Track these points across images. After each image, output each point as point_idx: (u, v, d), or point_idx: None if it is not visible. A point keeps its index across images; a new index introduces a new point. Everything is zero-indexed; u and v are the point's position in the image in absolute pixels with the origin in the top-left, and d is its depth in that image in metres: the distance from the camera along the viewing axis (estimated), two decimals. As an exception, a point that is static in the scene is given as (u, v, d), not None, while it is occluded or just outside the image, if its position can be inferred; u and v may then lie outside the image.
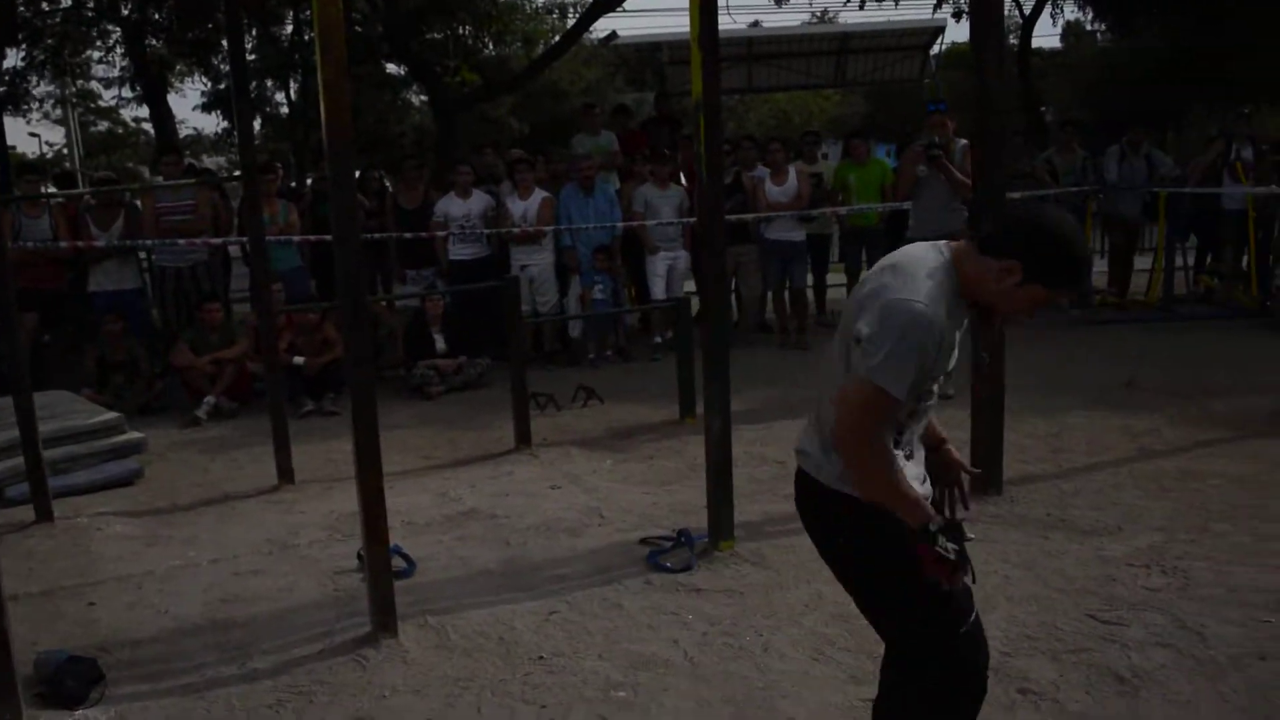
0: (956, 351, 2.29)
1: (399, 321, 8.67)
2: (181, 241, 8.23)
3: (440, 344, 8.08)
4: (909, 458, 2.34)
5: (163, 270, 8.53)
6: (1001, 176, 4.75)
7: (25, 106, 18.55)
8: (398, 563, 4.34)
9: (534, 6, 14.38)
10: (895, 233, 9.34)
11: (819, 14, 28.47)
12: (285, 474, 5.75)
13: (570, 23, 14.72)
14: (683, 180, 9.20)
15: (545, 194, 8.57)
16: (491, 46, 14.57)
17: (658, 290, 8.74)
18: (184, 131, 22.56)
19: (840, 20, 25.98)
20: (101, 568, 4.70)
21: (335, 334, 7.98)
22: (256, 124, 17.05)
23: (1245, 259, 9.61)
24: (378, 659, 3.57)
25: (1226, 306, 9.49)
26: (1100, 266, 10.57)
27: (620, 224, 8.60)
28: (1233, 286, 9.65)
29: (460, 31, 13.41)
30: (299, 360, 7.71)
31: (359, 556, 4.45)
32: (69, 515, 5.43)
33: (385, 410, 7.51)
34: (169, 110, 14.18)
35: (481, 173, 9.14)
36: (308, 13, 14.03)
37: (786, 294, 8.95)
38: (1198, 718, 2.93)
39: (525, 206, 8.52)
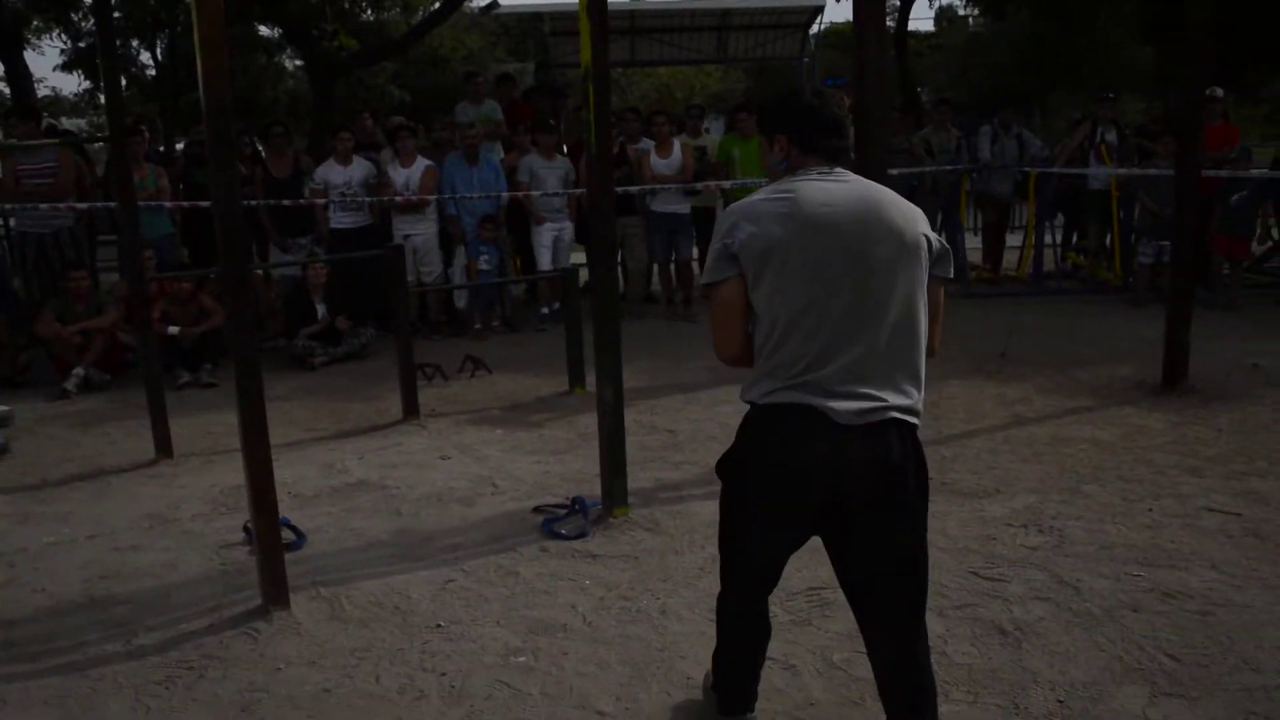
0: None
1: (277, 291, 8.46)
2: (43, 206, 7.83)
3: (322, 313, 7.91)
4: None
5: (23, 236, 8.11)
6: (881, 152, 4.89)
7: None
8: (287, 535, 4.27)
9: (413, -29, 14.06)
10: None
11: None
12: (163, 447, 5.57)
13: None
14: (565, 151, 9.20)
15: (428, 162, 8.44)
16: (370, 12, 14.20)
17: (544, 261, 8.73)
18: (42, 92, 21.32)
19: (722, -3, 26.28)
20: (-33, 544, 4.49)
21: (211, 303, 7.75)
22: (122, 85, 16.30)
23: (1109, 237, 10.13)
24: (270, 632, 3.52)
25: (1091, 282, 10.00)
26: (974, 243, 10.99)
27: (506, 194, 8.54)
28: (1097, 263, 10.16)
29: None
30: (174, 329, 7.46)
31: (245, 529, 4.38)
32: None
33: (267, 381, 7.10)
34: (26, 69, 13.39)
35: (361, 139, 8.94)
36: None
37: (673, 266, 9.04)
38: (1076, 666, 3.11)
39: (407, 175, 8.38)
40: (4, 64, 13.65)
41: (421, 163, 8.40)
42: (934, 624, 3.33)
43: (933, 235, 2.43)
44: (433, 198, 8.35)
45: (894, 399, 2.35)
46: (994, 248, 10.60)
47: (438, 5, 13.62)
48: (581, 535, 4.13)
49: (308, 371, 7.63)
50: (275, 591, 3.62)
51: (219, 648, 3.44)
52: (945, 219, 10.27)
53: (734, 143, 9.30)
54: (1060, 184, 10.10)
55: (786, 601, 3.55)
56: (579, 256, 10.73)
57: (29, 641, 3.58)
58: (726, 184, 9.05)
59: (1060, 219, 10.90)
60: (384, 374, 6.99)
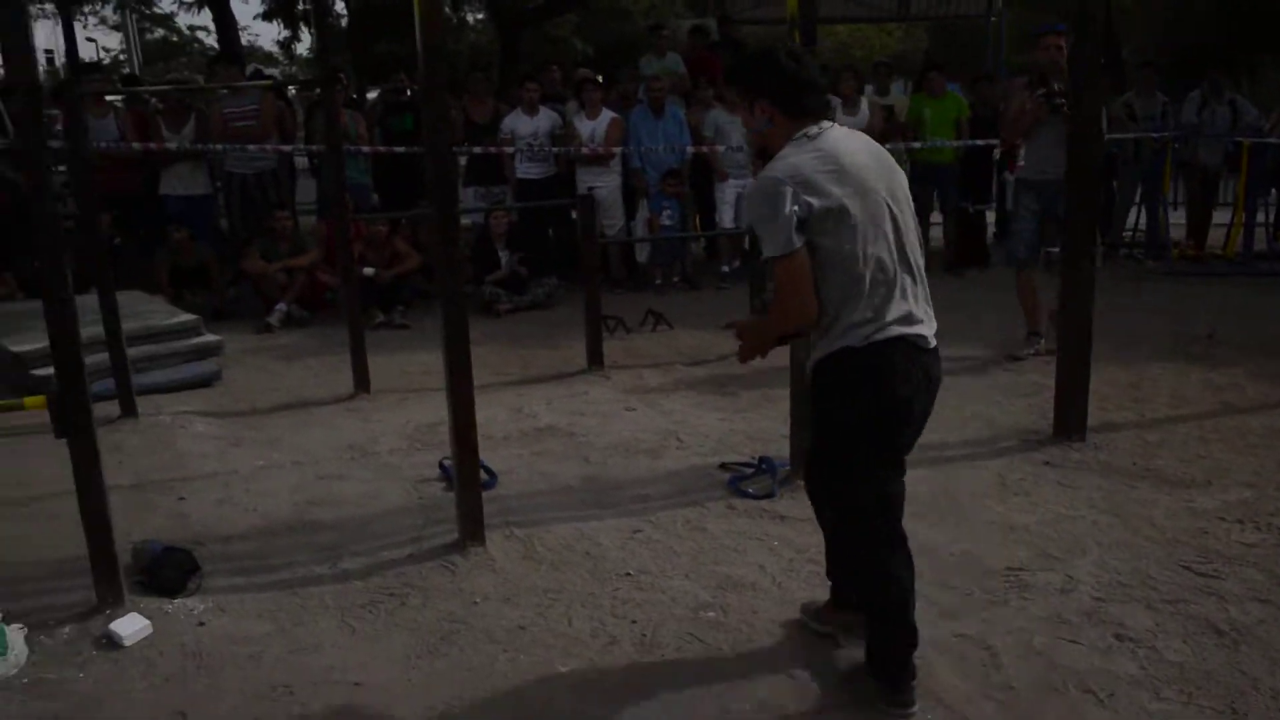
0: None
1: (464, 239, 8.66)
2: (251, 148, 8.24)
3: (505, 260, 8.08)
4: None
5: (230, 176, 8.56)
6: (1098, 103, 4.65)
7: (84, 10, 18.51)
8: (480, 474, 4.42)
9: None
10: (970, 170, 9.19)
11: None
12: (361, 383, 5.82)
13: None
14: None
15: (614, 114, 8.47)
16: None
17: (726, 218, 8.67)
18: (244, 40, 22.43)
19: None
20: (188, 464, 4.80)
21: (405, 247, 8.03)
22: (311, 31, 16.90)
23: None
24: (466, 566, 3.64)
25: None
26: (1177, 218, 10.34)
27: (690, 148, 8.50)
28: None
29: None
30: (369, 271, 7.75)
31: (440, 466, 4.53)
32: (151, 412, 5.55)
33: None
34: (232, 17, 14.11)
35: (548, 91, 9.04)
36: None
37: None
38: (1298, 674, 2.91)
39: (593, 126, 8.44)
40: (212, 10, 14.40)
41: (607, 115, 8.44)
42: (1142, 617, 3.18)
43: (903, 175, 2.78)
44: (618, 150, 8.38)
45: (931, 323, 2.74)
46: (1199, 223, 9.93)
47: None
48: (769, 496, 4.11)
49: (494, 318, 7.81)
50: (473, 528, 3.74)
51: (418, 577, 3.58)
52: (1146, 190, 9.70)
53: (925, 102, 9.00)
54: (1277, 157, 9.38)
55: (983, 580, 3.45)
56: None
57: (244, 557, 3.82)
58: (916, 144, 8.77)
59: (1275, 195, 10.14)
60: (568, 324, 7.08)
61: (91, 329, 6.01)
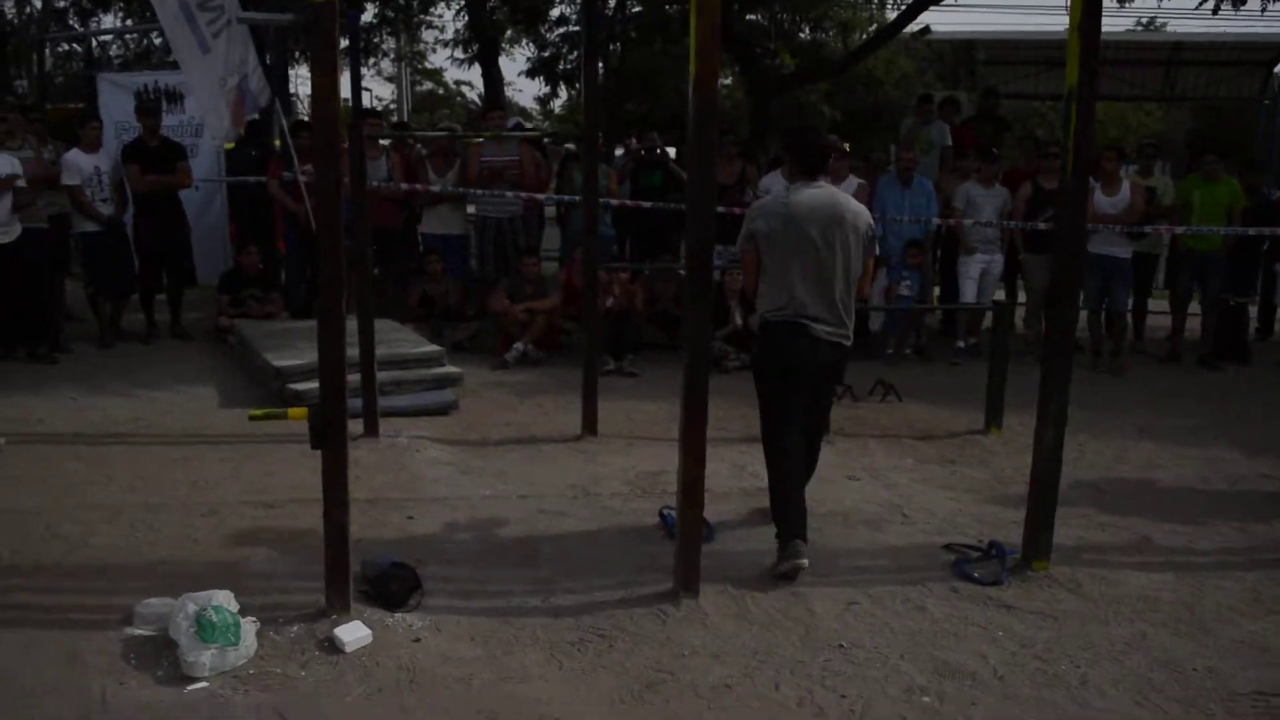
0: None
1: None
2: (508, 194, 8.66)
3: (738, 319, 8.11)
4: None
5: (484, 220, 9.02)
6: None
7: (366, 61, 20.11)
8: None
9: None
10: (1236, 260, 8.55)
11: (1146, 22, 26.41)
12: (590, 425, 5.95)
13: (888, 14, 14.34)
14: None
15: (861, 181, 8.39)
16: (808, 31, 14.42)
17: (968, 293, 8.39)
18: (509, 93, 23.78)
19: (1170, 29, 24.02)
20: (420, 486, 5.03)
21: (641, 299, 8.21)
22: (576, 90, 17.71)
23: None
24: (678, 617, 3.62)
25: None
26: None
27: (936, 220, 8.31)
28: None
29: (778, 15, 13.36)
30: (610, 302, 7.89)
31: (660, 515, 4.55)
32: (391, 434, 5.84)
33: (678, 379, 7.68)
34: (499, 72, 14.98)
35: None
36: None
37: (1104, 313, 8.36)
38: None
39: (840, 192, 8.39)
40: (481, 67, 15.34)
41: (854, 181, 8.35)
42: None
43: (870, 225, 4.20)
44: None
45: (844, 328, 4.17)
46: None
47: (875, 28, 13.58)
48: (996, 583, 3.89)
49: (721, 374, 7.82)
50: (689, 579, 3.72)
51: (629, 622, 3.59)
52: None
53: (1196, 185, 8.43)
54: None
55: (1228, 702, 3.13)
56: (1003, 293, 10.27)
57: (463, 580, 3.94)
58: (1179, 229, 8.22)
59: None
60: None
61: (349, 352, 6.47)
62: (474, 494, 4.93)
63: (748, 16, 12.97)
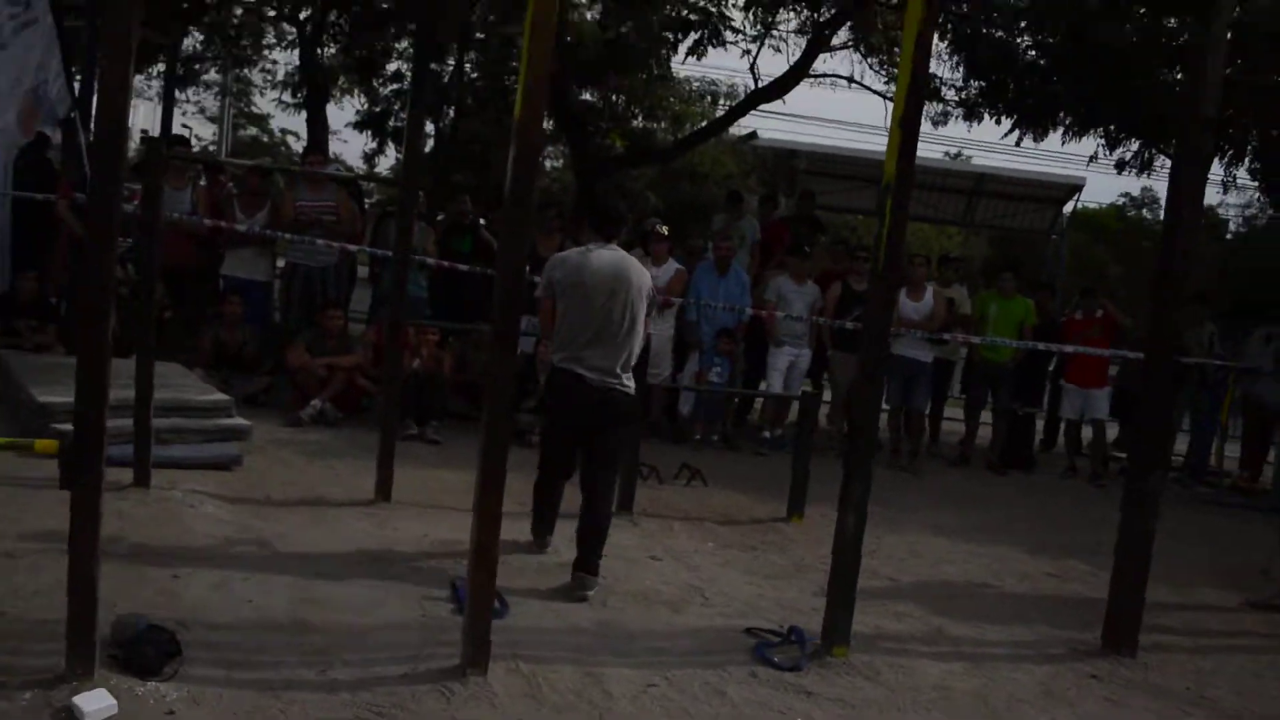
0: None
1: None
2: (320, 242, 8.29)
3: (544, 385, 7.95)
4: None
5: (294, 267, 8.60)
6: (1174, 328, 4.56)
7: (185, 97, 19.28)
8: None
9: (690, 89, 14.49)
10: (1026, 374, 9.06)
11: (954, 154, 28.41)
12: (384, 489, 5.63)
13: (719, 111, 14.82)
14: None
15: (679, 266, 8.48)
16: (640, 119, 14.71)
17: (775, 384, 8.54)
18: (335, 144, 23.23)
19: (974, 162, 25.86)
20: (191, 544, 4.59)
21: (450, 362, 7.94)
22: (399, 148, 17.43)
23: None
24: (464, 695, 3.36)
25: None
26: (1232, 449, 10.08)
27: (749, 310, 8.45)
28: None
29: (613, 99, 13.58)
30: (415, 364, 7.60)
31: (452, 585, 4.29)
32: (164, 486, 5.36)
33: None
34: (325, 119, 14.59)
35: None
36: (471, 54, 14.41)
37: (903, 414, 8.67)
38: None
39: (657, 274, 8.41)
40: (308, 112, 14.88)
41: (673, 265, 8.44)
42: None
43: (652, 289, 4.80)
44: (677, 300, 8.34)
45: (619, 378, 4.64)
46: (1255, 456, 9.67)
47: (705, 124, 13.98)
48: (796, 668, 3.80)
49: (525, 448, 7.62)
50: (477, 655, 3.47)
51: (410, 699, 3.31)
52: (1195, 417, 9.56)
53: (992, 299, 8.94)
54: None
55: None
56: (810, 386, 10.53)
57: (229, 647, 3.56)
58: (975, 339, 8.66)
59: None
60: (601, 464, 6.87)
61: (123, 393, 5.94)
62: (250, 555, 4.53)
63: (583, 96, 13.12)
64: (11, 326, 7.77)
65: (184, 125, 30.77)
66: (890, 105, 3.70)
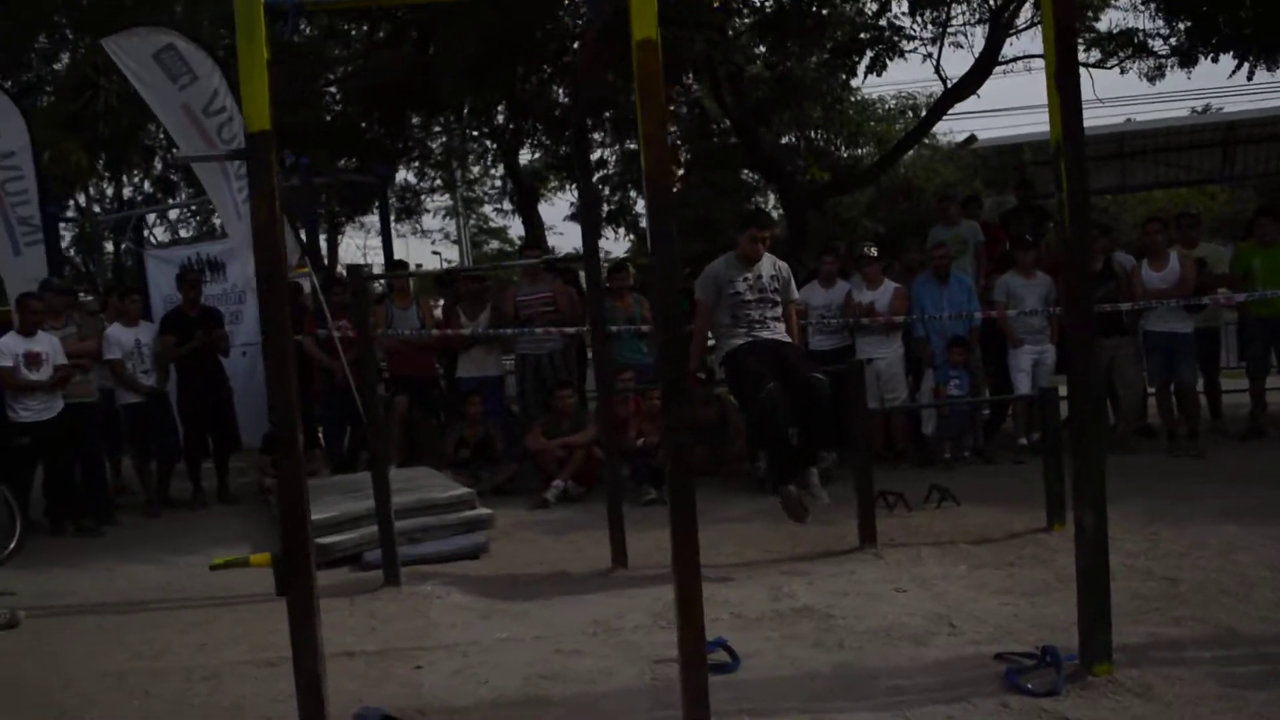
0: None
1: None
2: (539, 330, 8.57)
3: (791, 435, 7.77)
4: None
5: (523, 358, 8.91)
6: None
7: (419, 220, 20.68)
8: (721, 657, 4.04)
9: (886, 109, 14.12)
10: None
11: (1201, 109, 26.08)
12: (619, 558, 5.64)
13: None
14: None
15: (896, 285, 8.14)
16: (844, 149, 14.46)
17: (1022, 386, 7.96)
18: (553, 238, 24.30)
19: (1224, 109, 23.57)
20: (435, 634, 4.74)
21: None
22: (619, 231, 17.96)
23: None
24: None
25: None
26: None
27: (979, 314, 7.97)
28: None
29: (812, 135, 13.42)
30: (640, 439, 7.70)
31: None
32: (416, 582, 5.60)
33: (727, 503, 7.37)
34: (539, 218, 15.26)
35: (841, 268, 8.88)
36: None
37: (1172, 394, 7.85)
38: None
39: (874, 297, 8.12)
40: (522, 216, 15.66)
41: (889, 285, 8.12)
42: None
43: (786, 273, 5.87)
44: (900, 318, 7.99)
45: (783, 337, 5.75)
46: None
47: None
48: (1052, 693, 3.42)
49: (768, 494, 7.48)
50: (697, 713, 3.34)
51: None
52: None
53: (1254, 253, 7.99)
54: None
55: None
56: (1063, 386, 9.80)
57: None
58: (1239, 296, 7.75)
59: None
60: (844, 500, 6.58)
61: (368, 502, 6.31)
62: (489, 638, 4.62)
63: (782, 140, 13.06)
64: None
65: (434, 252, 33.06)
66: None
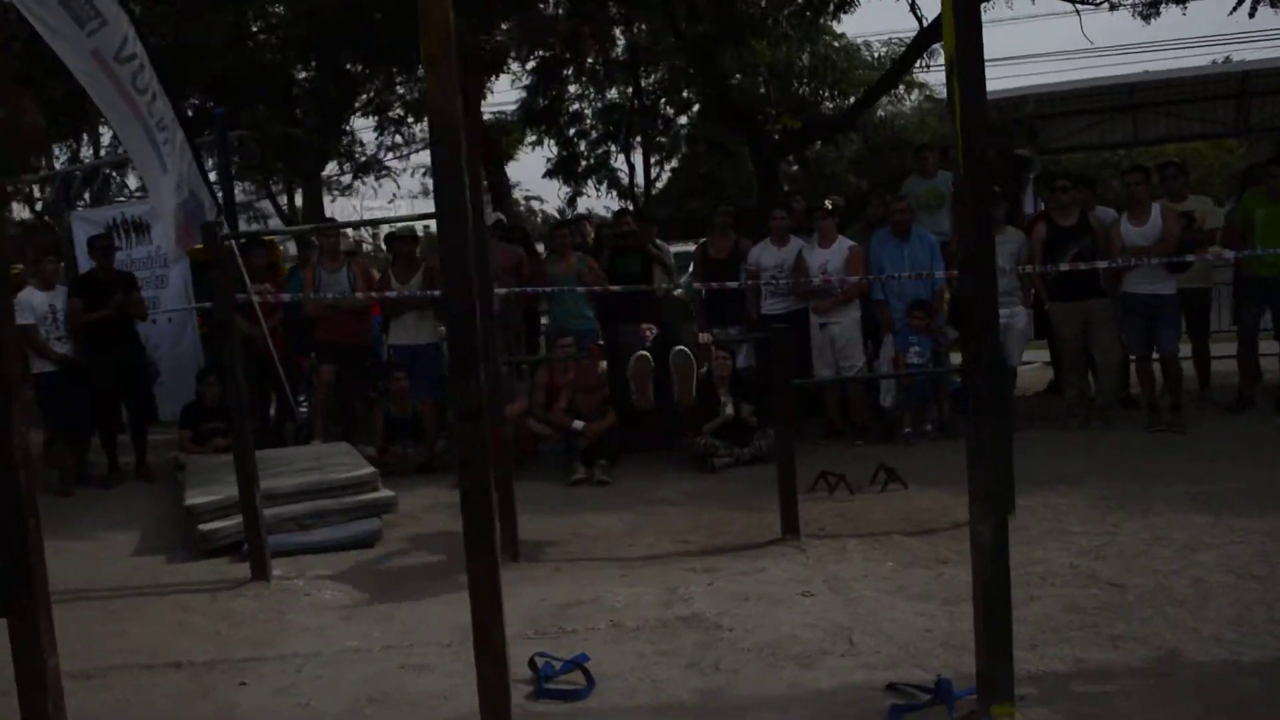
0: None
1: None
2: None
3: (729, 409, 7.15)
4: None
5: (460, 325, 8.29)
6: None
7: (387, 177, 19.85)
8: (576, 679, 3.47)
9: (876, 56, 13.32)
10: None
11: (1221, 60, 25.00)
12: (510, 550, 5.04)
13: (921, 76, 13.56)
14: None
15: (850, 243, 7.45)
16: (831, 98, 13.70)
17: (990, 354, 7.30)
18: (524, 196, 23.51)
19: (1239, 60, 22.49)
20: (280, 641, 4.19)
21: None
22: (601, 187, 17.23)
23: None
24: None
25: None
26: None
27: (942, 274, 7.28)
28: None
29: (795, 86, 12.68)
30: (578, 424, 7.12)
31: (530, 663, 3.61)
32: (292, 575, 5.07)
33: (660, 482, 6.77)
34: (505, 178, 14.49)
35: (797, 224, 8.19)
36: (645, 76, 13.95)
37: (1155, 362, 7.17)
38: None
39: (826, 256, 7.44)
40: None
41: (843, 243, 7.43)
42: None
43: None
44: (854, 279, 7.32)
45: None
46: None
47: (902, 83, 12.77)
48: (937, 744, 2.82)
49: (707, 473, 6.90)
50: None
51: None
52: None
53: (1259, 202, 7.23)
54: None
55: None
56: (1040, 353, 9.14)
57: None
58: (1228, 254, 7.03)
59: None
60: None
61: (273, 482, 5.77)
62: (335, 647, 4.05)
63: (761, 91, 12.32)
64: (201, 432, 7.90)
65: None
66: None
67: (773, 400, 5.50)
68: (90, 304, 7.86)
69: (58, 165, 14.27)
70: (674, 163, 16.15)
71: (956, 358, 8.56)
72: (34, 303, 7.72)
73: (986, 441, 2.88)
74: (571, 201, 17.96)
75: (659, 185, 17.32)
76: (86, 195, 11.46)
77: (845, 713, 3.07)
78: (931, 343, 7.30)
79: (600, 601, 4.33)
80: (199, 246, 8.98)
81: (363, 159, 15.05)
